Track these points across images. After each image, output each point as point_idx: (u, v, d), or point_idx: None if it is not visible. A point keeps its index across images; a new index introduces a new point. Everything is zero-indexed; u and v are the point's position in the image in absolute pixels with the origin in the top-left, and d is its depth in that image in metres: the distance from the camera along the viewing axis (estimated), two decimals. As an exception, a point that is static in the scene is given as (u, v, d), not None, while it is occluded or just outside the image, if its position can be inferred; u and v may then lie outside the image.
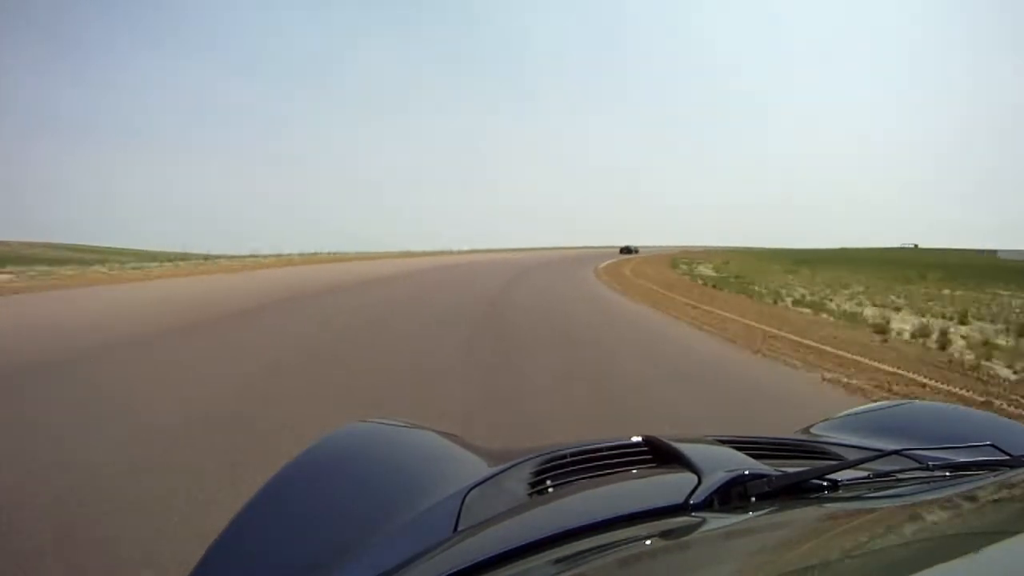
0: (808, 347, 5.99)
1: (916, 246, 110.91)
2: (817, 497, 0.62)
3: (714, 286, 15.21)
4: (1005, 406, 3.92)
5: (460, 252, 49.72)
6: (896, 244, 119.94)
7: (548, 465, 0.79)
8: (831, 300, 12.62)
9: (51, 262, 21.17)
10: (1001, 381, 4.84)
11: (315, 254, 31.26)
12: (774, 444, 0.89)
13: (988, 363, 5.67)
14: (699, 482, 0.62)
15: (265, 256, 27.36)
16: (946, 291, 16.21)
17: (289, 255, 29.07)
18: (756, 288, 14.84)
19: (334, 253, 33.07)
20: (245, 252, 28.48)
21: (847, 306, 11.22)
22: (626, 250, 62.91)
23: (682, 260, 36.00)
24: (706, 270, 25.53)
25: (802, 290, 15.20)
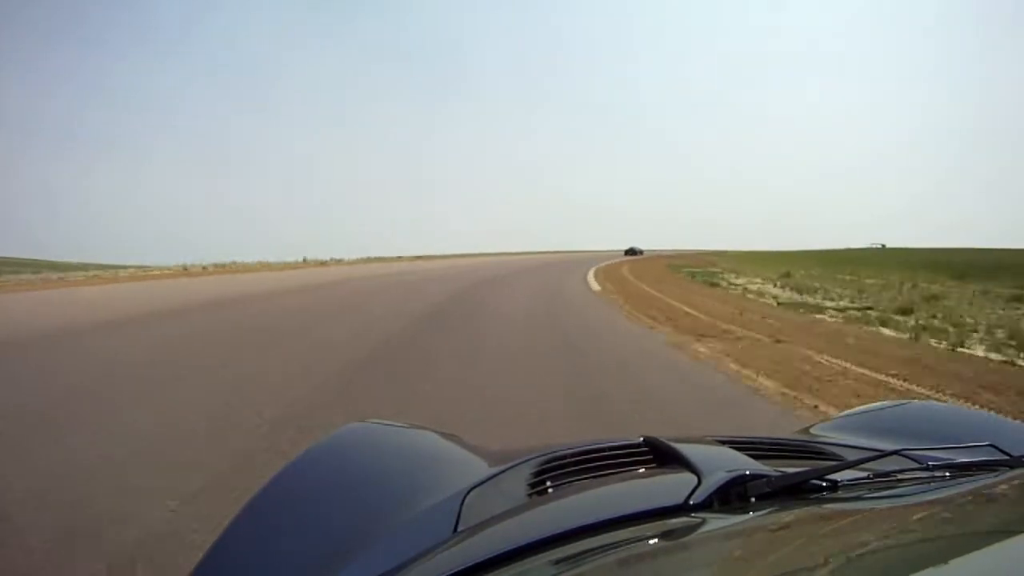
0: None
1: (884, 246, 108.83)
2: (817, 497, 0.62)
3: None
4: None
5: (416, 258, 45.28)
6: (864, 244, 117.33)
7: (548, 465, 0.79)
8: None
9: None
10: None
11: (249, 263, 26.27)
12: (774, 444, 0.89)
13: None
14: (699, 482, 0.62)
15: (168, 267, 22.54)
16: None
17: (233, 263, 25.31)
18: None
19: (264, 262, 28.02)
20: (176, 262, 24.19)
21: None
22: (631, 251, 63.03)
23: (688, 268, 25.94)
24: (762, 285, 16.20)
25: None
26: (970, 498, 0.62)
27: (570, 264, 31.77)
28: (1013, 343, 6.98)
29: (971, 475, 0.69)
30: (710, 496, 0.60)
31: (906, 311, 10.43)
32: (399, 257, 42.06)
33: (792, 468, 0.68)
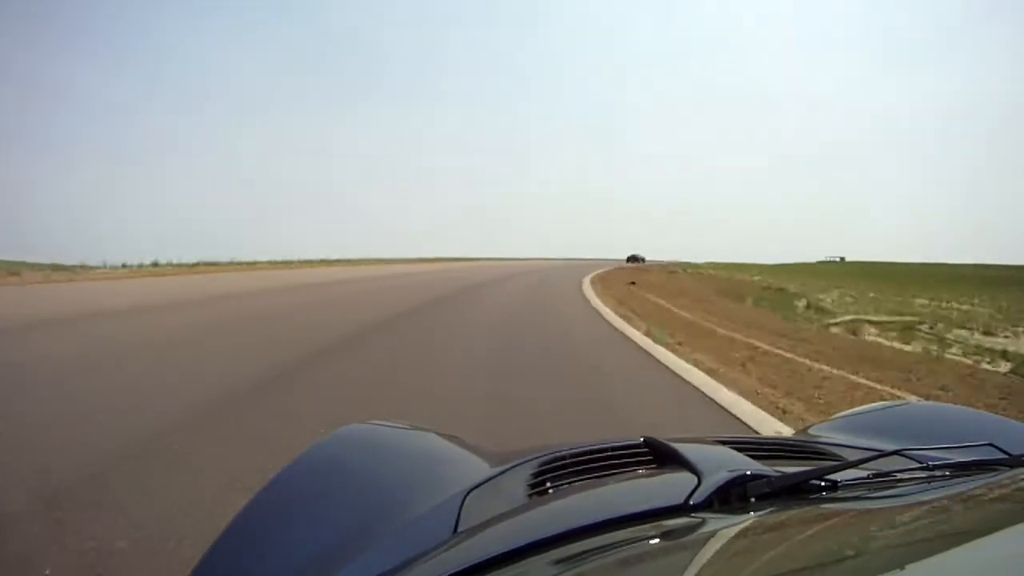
0: None
1: (843, 259, 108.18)
2: (817, 497, 0.62)
3: None
4: None
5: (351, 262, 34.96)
6: (822, 258, 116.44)
7: (548, 466, 0.79)
8: None
9: None
10: None
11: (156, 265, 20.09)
12: (774, 444, 0.89)
13: None
14: (699, 482, 0.62)
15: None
16: None
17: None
18: None
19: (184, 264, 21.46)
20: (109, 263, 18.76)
21: None
22: (633, 259, 62.94)
23: (774, 299, 15.82)
24: None
25: None
26: (970, 498, 0.62)
27: (554, 283, 17.57)
28: None
29: (971, 475, 0.69)
30: (710, 496, 0.60)
31: None
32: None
33: (792, 468, 0.68)
